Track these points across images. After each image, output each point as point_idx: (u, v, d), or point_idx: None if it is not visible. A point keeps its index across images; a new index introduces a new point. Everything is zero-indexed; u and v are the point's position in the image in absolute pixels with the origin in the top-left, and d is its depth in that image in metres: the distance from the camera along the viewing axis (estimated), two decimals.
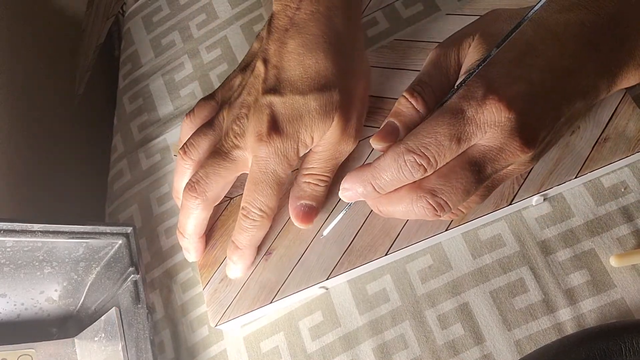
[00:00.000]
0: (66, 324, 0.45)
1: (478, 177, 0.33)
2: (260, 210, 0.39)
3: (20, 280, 0.43)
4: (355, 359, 0.39)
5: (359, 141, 0.43)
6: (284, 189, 0.40)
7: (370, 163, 0.34)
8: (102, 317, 0.42)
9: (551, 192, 0.39)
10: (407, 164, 0.32)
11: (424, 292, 0.40)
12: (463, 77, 0.34)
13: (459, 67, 0.36)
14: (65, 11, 0.70)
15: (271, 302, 0.40)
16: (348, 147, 0.41)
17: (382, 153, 0.34)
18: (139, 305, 0.42)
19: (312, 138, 0.38)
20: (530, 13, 0.31)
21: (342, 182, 0.35)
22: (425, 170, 0.32)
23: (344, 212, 0.38)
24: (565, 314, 0.37)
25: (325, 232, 0.39)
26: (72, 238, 0.42)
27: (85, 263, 0.44)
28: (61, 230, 0.41)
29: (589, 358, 0.33)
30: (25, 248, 0.41)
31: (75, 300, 0.46)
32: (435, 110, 0.34)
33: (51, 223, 0.41)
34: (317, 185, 0.41)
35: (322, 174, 0.41)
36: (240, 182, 0.44)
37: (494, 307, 0.38)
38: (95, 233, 0.43)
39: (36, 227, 0.40)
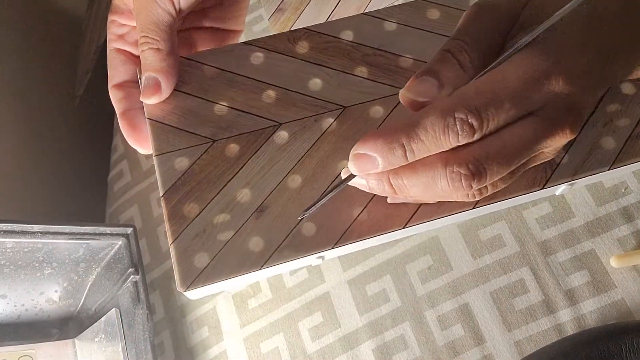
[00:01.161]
0: (66, 325, 0.46)
1: (524, 153, 0.29)
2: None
3: (20, 281, 0.43)
4: None
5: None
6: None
7: (398, 121, 0.28)
8: (102, 318, 0.42)
9: (581, 182, 0.36)
10: (457, 123, 0.27)
11: (424, 293, 0.40)
12: (522, 37, 0.30)
13: (511, 24, 0.31)
14: (65, 11, 0.70)
15: (260, 269, 0.32)
16: None
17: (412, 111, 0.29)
18: (139, 306, 0.42)
19: None
20: None
21: (354, 148, 0.28)
22: (474, 134, 0.27)
23: (333, 193, 0.31)
24: (565, 315, 0.37)
25: (307, 214, 0.32)
26: (72, 239, 0.42)
27: (85, 264, 0.44)
28: (61, 231, 0.41)
29: (589, 359, 0.33)
30: (26, 249, 0.41)
31: (75, 301, 0.46)
32: (490, 68, 0.29)
33: (51, 224, 0.41)
34: (143, 51, 0.36)
35: (140, 32, 0.36)
36: (226, 124, 0.37)
37: (494, 307, 0.38)
38: (96, 234, 0.43)
39: (36, 228, 0.40)
